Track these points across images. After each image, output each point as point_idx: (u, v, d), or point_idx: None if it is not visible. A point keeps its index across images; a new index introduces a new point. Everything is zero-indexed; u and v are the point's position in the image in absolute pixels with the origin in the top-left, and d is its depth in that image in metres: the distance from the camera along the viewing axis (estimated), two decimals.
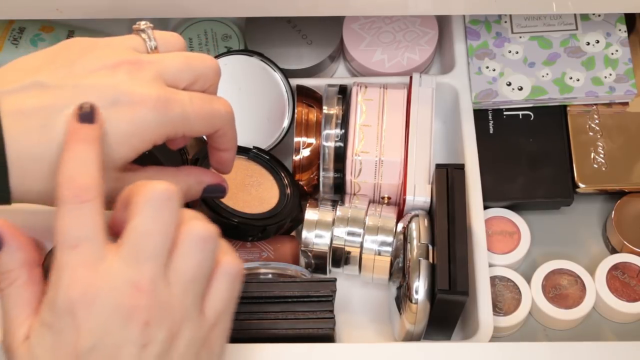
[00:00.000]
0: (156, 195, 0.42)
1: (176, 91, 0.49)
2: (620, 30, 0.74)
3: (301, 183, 0.70)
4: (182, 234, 0.43)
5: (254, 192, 0.68)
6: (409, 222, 0.63)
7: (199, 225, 0.43)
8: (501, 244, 0.70)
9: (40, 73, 0.47)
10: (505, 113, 0.74)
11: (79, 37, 0.50)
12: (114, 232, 0.44)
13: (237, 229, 0.64)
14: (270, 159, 0.70)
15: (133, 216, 0.42)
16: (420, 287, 0.60)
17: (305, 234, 0.66)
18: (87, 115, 0.45)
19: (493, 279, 0.68)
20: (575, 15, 0.74)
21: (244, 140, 0.65)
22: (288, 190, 0.68)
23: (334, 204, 0.67)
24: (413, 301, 0.60)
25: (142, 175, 0.50)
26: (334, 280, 0.63)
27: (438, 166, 0.64)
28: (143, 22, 0.51)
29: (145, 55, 0.49)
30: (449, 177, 0.64)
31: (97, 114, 0.45)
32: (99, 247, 0.42)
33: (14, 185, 0.46)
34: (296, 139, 0.70)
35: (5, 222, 0.44)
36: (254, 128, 0.71)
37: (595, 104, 0.73)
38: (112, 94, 0.46)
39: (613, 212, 0.71)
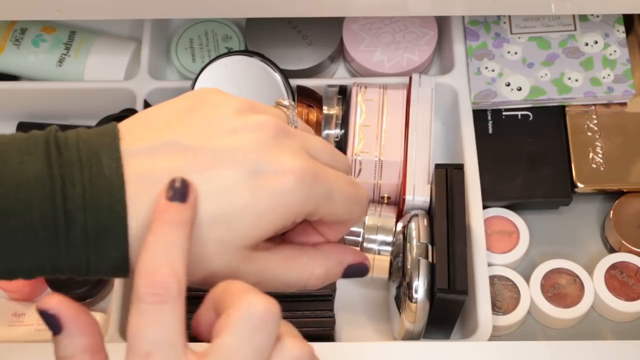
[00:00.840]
0: (254, 315, 0.36)
1: (323, 166, 0.43)
2: (618, 31, 0.74)
3: None
4: (276, 356, 0.37)
5: None
6: (409, 221, 0.64)
7: (296, 349, 0.37)
8: (500, 244, 0.70)
9: (173, 130, 0.41)
10: (504, 113, 0.74)
11: (210, 87, 0.44)
12: (197, 331, 0.39)
13: None
14: None
15: (223, 332, 0.36)
16: (419, 286, 0.60)
17: None
18: (178, 192, 0.38)
19: (492, 278, 0.68)
20: (573, 16, 0.75)
21: None
22: None
23: None
24: (412, 300, 0.60)
25: (277, 256, 0.43)
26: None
27: (437, 166, 0.65)
28: (287, 100, 0.46)
29: (289, 126, 0.44)
30: (448, 177, 0.64)
31: (190, 191, 0.38)
32: (176, 356, 0.36)
33: (134, 258, 0.39)
34: None
35: (65, 302, 0.37)
36: None
37: (594, 104, 0.74)
38: (255, 161, 0.40)
39: (611, 212, 0.71)
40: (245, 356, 0.36)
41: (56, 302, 0.37)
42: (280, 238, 0.45)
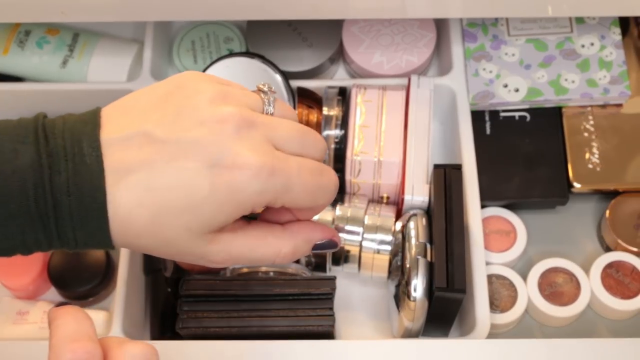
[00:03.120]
0: (135, 356, 0.40)
1: (284, 158, 0.45)
2: (614, 33, 0.74)
3: None
4: None
5: None
6: (408, 221, 0.64)
7: None
8: (498, 243, 0.71)
9: (147, 119, 0.44)
10: (501, 114, 0.75)
11: (193, 71, 0.47)
12: None
13: None
14: None
15: None
16: (418, 285, 0.60)
17: None
18: None
19: (490, 277, 0.68)
20: (570, 18, 0.75)
21: None
22: None
23: (334, 203, 0.68)
24: (411, 299, 0.61)
25: (243, 236, 0.46)
26: (334, 278, 0.63)
27: (436, 166, 0.65)
28: (267, 85, 0.48)
29: (258, 114, 0.45)
30: (446, 177, 0.64)
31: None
32: None
33: (117, 240, 0.44)
34: None
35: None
36: None
37: (590, 106, 0.74)
38: (216, 154, 0.43)
39: (607, 212, 0.71)
40: None
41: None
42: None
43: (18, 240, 0.43)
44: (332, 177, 0.47)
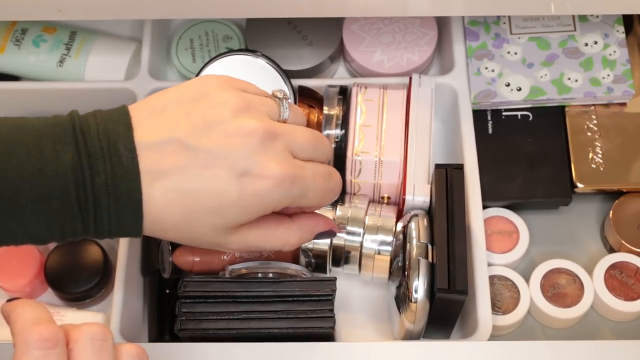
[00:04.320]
0: (97, 340, 0.44)
1: (302, 166, 0.51)
2: (618, 31, 0.74)
3: None
4: None
5: None
6: (409, 221, 0.64)
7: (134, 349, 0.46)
8: (500, 244, 0.70)
9: (178, 127, 0.49)
10: (504, 113, 0.74)
11: (213, 76, 0.53)
12: None
13: None
14: None
15: (72, 353, 0.43)
16: (419, 286, 0.60)
17: None
18: None
19: (492, 278, 0.68)
20: (573, 16, 0.75)
21: None
22: None
23: (334, 203, 0.68)
24: (412, 300, 0.60)
25: (257, 230, 0.52)
26: (334, 280, 0.63)
27: (437, 166, 0.65)
28: (280, 92, 0.54)
29: (278, 124, 0.51)
30: (448, 177, 0.64)
31: None
32: None
33: (146, 231, 0.50)
34: None
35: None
36: None
37: (594, 105, 0.74)
38: (244, 165, 0.49)
39: (611, 212, 0.71)
40: None
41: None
42: None
43: (57, 232, 0.48)
44: (339, 179, 0.55)
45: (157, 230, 0.50)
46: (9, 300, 0.50)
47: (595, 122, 0.73)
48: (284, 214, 0.55)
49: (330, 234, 0.57)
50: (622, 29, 0.74)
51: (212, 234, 0.51)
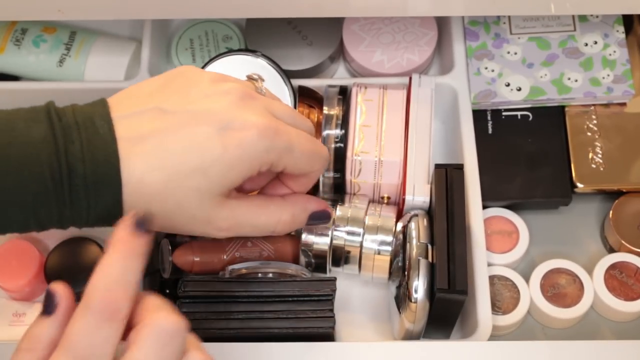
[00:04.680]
0: (162, 331, 0.40)
1: (285, 124, 0.50)
2: (618, 31, 0.74)
3: None
4: None
5: None
6: (409, 221, 0.64)
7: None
8: (500, 244, 0.70)
9: (154, 98, 0.48)
10: (504, 113, 0.74)
11: (189, 65, 0.52)
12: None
13: None
14: None
15: (134, 346, 0.39)
16: (419, 286, 0.60)
17: (306, 234, 0.66)
18: (142, 224, 0.41)
19: (492, 278, 0.68)
20: (573, 16, 0.75)
21: None
22: None
23: (334, 203, 0.68)
24: (412, 300, 0.60)
25: (247, 203, 0.50)
26: (334, 280, 0.63)
27: (437, 166, 0.65)
28: (256, 74, 0.53)
29: (256, 93, 0.51)
30: (448, 177, 0.64)
31: (150, 224, 0.42)
32: None
33: (127, 206, 0.46)
34: None
35: (67, 291, 0.42)
36: None
37: (594, 105, 0.74)
38: (225, 119, 0.47)
39: (611, 212, 0.71)
40: None
41: (64, 289, 0.42)
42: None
43: (30, 211, 0.45)
44: (324, 146, 0.53)
45: (140, 203, 0.46)
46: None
47: (595, 122, 0.73)
48: (275, 195, 0.54)
49: (324, 215, 0.55)
50: (622, 29, 0.74)
51: (198, 203, 0.47)
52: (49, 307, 0.42)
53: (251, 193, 0.55)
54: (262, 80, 0.53)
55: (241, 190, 0.53)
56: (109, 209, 0.46)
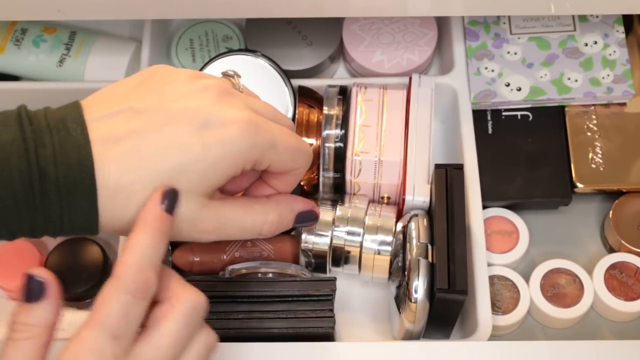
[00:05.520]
0: (192, 308, 0.44)
1: (266, 120, 0.48)
2: (618, 31, 0.74)
3: (301, 183, 0.70)
4: (199, 339, 0.45)
5: None
6: (409, 221, 0.64)
7: (211, 336, 0.46)
8: (500, 244, 0.70)
9: (128, 99, 0.46)
10: (503, 113, 0.74)
11: (161, 65, 0.50)
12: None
13: None
14: None
15: (168, 319, 0.44)
16: (419, 286, 0.60)
17: (305, 234, 0.66)
18: (171, 203, 0.44)
19: (492, 278, 0.68)
20: (573, 16, 0.75)
21: None
22: None
23: (334, 203, 0.68)
24: (412, 300, 0.60)
25: (232, 204, 0.49)
26: (334, 280, 0.63)
27: (437, 166, 0.65)
28: (231, 71, 0.51)
29: (234, 89, 0.49)
30: (448, 177, 0.64)
31: (177, 202, 0.45)
32: (131, 341, 0.43)
33: (103, 213, 0.44)
34: None
35: (52, 275, 0.43)
36: None
37: (594, 105, 0.74)
38: (204, 116, 0.45)
39: (611, 212, 0.71)
40: (182, 340, 0.44)
41: (46, 272, 0.42)
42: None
43: (0, 218, 0.43)
44: (307, 143, 0.51)
45: (116, 208, 0.44)
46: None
47: (595, 122, 0.73)
48: (260, 195, 0.52)
49: (311, 215, 0.53)
50: (622, 29, 0.74)
51: (181, 204, 0.45)
52: (36, 293, 0.42)
53: (235, 195, 0.53)
54: (239, 76, 0.51)
55: (224, 192, 0.51)
56: (84, 216, 0.44)
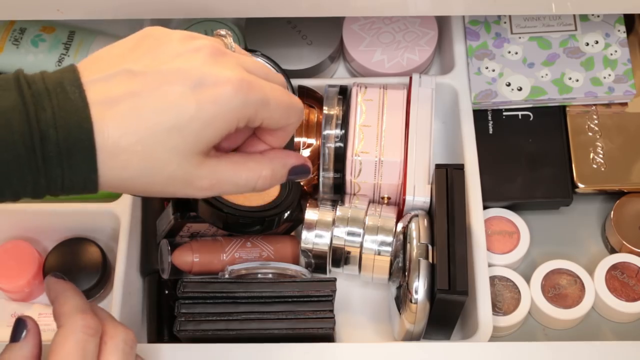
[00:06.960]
0: (128, 341, 0.52)
1: (258, 78, 0.49)
2: (619, 31, 0.74)
3: (301, 183, 0.70)
4: None
5: None
6: (409, 222, 0.63)
7: None
8: (500, 244, 0.70)
9: (124, 61, 0.47)
10: (504, 113, 0.74)
11: (155, 26, 0.51)
12: None
13: (237, 222, 0.64)
14: None
15: (108, 356, 0.51)
16: (419, 286, 0.60)
17: (305, 234, 0.66)
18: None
19: (492, 278, 0.68)
20: (574, 16, 0.75)
21: None
22: (289, 184, 0.68)
23: (334, 204, 0.67)
24: (413, 301, 0.60)
25: (226, 161, 0.50)
26: (334, 280, 0.63)
27: (438, 166, 0.65)
28: (224, 30, 0.52)
29: (226, 49, 0.50)
30: (448, 177, 0.64)
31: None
32: None
33: (103, 173, 0.46)
34: (296, 139, 0.70)
35: (32, 319, 0.51)
36: None
37: (595, 105, 0.73)
38: (197, 76, 0.47)
39: (612, 212, 0.71)
40: None
41: (29, 318, 0.51)
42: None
43: (4, 180, 0.45)
44: (298, 99, 0.52)
45: (115, 168, 0.46)
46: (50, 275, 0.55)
47: (596, 122, 0.73)
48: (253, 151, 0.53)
49: (303, 168, 0.54)
50: (623, 28, 0.74)
51: (176, 164, 0.47)
52: (18, 333, 0.51)
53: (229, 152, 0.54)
54: (230, 35, 0.52)
55: (219, 149, 0.53)
56: (85, 176, 0.46)
